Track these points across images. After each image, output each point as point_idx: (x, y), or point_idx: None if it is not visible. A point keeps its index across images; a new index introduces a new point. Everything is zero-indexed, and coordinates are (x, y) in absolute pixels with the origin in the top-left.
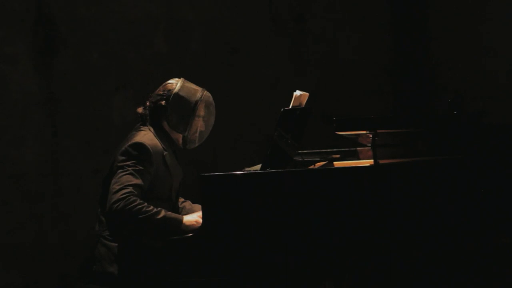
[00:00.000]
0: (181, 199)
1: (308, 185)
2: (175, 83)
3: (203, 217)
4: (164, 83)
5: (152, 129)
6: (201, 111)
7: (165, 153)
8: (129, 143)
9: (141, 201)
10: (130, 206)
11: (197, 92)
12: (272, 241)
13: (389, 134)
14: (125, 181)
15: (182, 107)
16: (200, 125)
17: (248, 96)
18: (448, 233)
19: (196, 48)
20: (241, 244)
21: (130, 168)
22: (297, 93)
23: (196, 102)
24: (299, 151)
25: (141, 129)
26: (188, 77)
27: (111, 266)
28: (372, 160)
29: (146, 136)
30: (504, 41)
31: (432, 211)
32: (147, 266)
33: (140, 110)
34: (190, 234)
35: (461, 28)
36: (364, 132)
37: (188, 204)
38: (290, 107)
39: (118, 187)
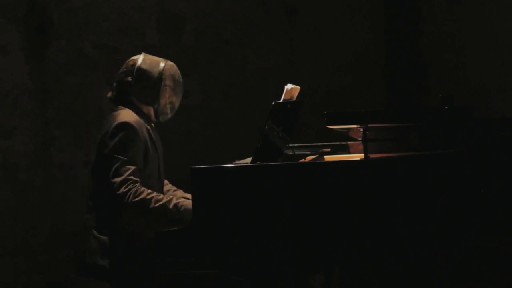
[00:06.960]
0: (172, 187)
1: (299, 179)
2: (137, 58)
3: (193, 210)
4: (126, 61)
5: (127, 107)
6: (167, 81)
7: (148, 127)
8: (113, 125)
9: (149, 190)
10: (140, 197)
11: (160, 62)
12: (261, 233)
13: (380, 129)
14: (123, 171)
15: (147, 79)
16: (169, 95)
17: (241, 90)
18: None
19: (189, 40)
20: (230, 237)
21: (123, 155)
22: (288, 86)
23: (160, 72)
24: (290, 145)
25: (119, 109)
26: (181, 69)
27: (102, 258)
28: (362, 154)
29: (127, 114)
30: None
31: (423, 207)
32: (138, 258)
33: (109, 94)
34: (181, 227)
35: (457, 26)
36: (355, 126)
37: (180, 192)
38: (281, 100)
39: (119, 180)
